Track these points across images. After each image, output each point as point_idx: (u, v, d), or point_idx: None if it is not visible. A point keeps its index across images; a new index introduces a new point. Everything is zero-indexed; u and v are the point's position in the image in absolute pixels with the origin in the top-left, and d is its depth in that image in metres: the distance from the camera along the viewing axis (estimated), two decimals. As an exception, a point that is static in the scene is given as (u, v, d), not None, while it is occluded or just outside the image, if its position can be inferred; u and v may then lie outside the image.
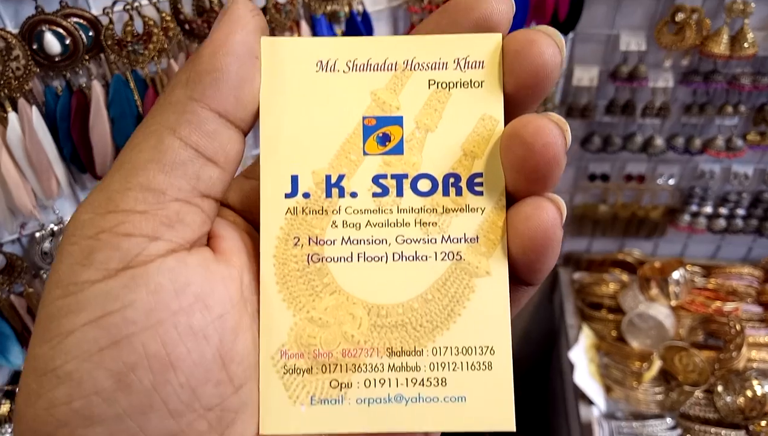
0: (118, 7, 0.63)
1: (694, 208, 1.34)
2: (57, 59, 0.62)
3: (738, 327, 1.25)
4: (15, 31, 0.59)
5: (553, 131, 0.21)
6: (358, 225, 0.23)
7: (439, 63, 0.23)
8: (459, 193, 0.23)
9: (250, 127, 0.23)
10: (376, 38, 0.23)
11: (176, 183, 0.21)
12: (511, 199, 0.23)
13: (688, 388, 1.22)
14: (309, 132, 0.23)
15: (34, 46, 0.60)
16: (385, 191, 0.23)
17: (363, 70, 0.23)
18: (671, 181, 1.32)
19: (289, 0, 0.72)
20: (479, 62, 0.23)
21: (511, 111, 0.23)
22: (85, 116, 0.67)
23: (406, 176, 0.23)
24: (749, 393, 1.19)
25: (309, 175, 0.23)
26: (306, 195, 0.23)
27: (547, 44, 0.22)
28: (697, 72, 1.11)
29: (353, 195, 0.23)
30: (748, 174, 1.28)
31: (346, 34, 0.79)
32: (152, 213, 0.20)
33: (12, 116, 0.61)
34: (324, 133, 0.23)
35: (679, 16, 1.02)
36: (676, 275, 1.29)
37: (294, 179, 0.23)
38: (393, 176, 0.23)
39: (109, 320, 0.19)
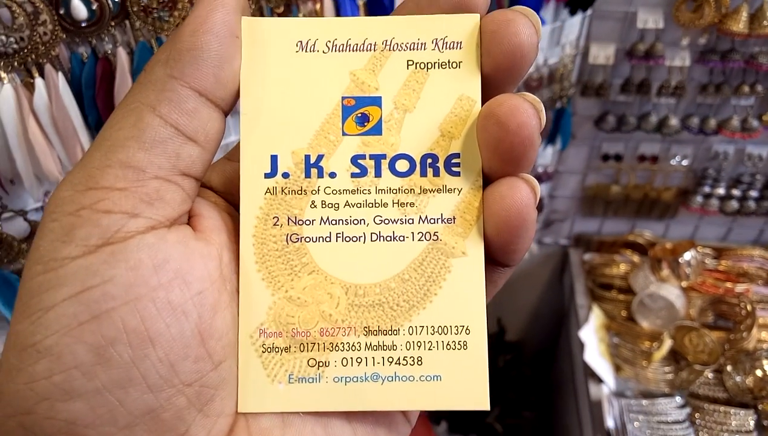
0: (145, -27, 0.63)
1: (706, 189, 1.34)
2: (83, 25, 0.62)
3: (749, 308, 1.25)
4: (43, -5, 0.59)
5: (527, 111, 0.21)
6: (336, 205, 0.23)
7: (418, 43, 0.23)
8: (436, 173, 0.23)
9: (230, 107, 0.23)
10: (355, 18, 0.23)
11: (156, 161, 0.21)
12: (488, 180, 0.23)
13: (698, 367, 1.22)
14: (288, 112, 0.23)
15: (61, 11, 0.60)
16: (363, 172, 0.23)
17: (342, 50, 0.23)
18: (684, 162, 1.32)
19: (313, -30, 0.72)
20: (457, 43, 0.23)
21: (489, 92, 0.23)
22: (110, 83, 0.67)
23: (384, 157, 0.23)
24: (759, 373, 1.19)
25: (288, 155, 0.23)
26: (285, 175, 0.23)
27: (524, 24, 0.22)
28: (715, 51, 1.11)
29: (332, 175, 0.23)
30: (762, 156, 1.28)
31: (367, 5, 0.79)
32: (132, 190, 0.21)
33: (39, 82, 0.62)
34: (303, 113, 0.23)
35: (699, -7, 1.02)
36: (687, 255, 1.30)
37: (273, 159, 0.23)
38: (371, 157, 0.23)
39: (88, 295, 0.20)
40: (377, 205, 0.23)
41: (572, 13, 1.05)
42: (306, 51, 0.23)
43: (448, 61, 0.23)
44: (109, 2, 0.62)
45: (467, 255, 0.23)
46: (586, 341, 1.30)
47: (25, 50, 0.59)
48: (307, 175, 0.23)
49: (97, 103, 0.67)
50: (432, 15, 0.23)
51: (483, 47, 0.23)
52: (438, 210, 0.23)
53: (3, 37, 0.57)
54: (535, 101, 0.22)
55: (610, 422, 1.19)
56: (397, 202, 0.23)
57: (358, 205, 0.23)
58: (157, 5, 0.64)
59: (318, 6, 0.75)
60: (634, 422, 1.19)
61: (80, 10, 0.60)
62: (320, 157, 0.23)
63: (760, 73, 1.12)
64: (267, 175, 0.23)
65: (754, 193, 1.33)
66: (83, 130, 0.67)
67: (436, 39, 0.23)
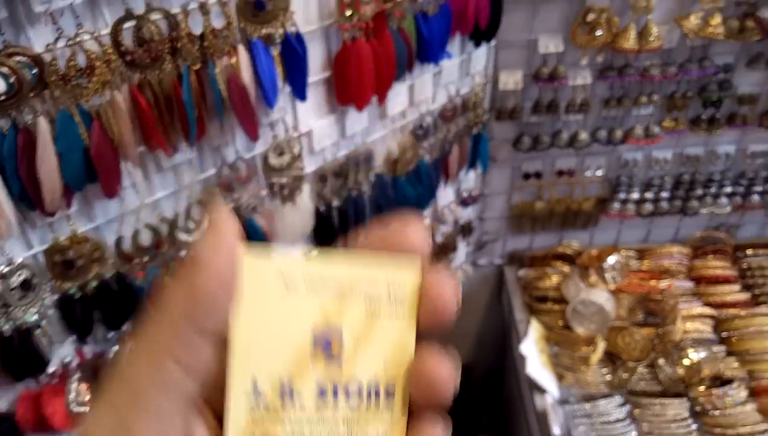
0: (61, 43, 0.65)
1: (622, 195, 1.42)
2: (2, 99, 0.63)
3: (672, 302, 1.33)
4: (-41, 73, 0.60)
5: (451, 377, 0.27)
6: (303, 427, 0.27)
7: (375, 296, 0.28)
8: (377, 399, 0.28)
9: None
10: (330, 266, 0.28)
11: (177, 405, 0.24)
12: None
13: (632, 364, 1.29)
14: (269, 341, 0.27)
15: (-22, 87, 0.61)
16: (325, 397, 0.28)
17: (318, 291, 0.27)
18: (599, 172, 1.40)
19: (225, 25, 0.75)
20: (402, 300, 0.28)
21: (420, 337, 0.28)
22: (32, 153, 0.68)
23: (342, 384, 0.28)
24: (686, 362, 1.26)
25: (267, 380, 0.27)
26: (263, 398, 0.27)
27: (447, 288, 0.27)
28: (612, 67, 1.19)
29: (300, 399, 0.27)
30: (667, 158, 1.37)
31: (282, 54, 0.82)
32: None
33: (-40, 158, 0.62)
34: (281, 343, 0.27)
35: (590, 17, 1.10)
36: (611, 260, 1.37)
37: (255, 383, 0.27)
38: (333, 384, 0.28)
39: None
40: (332, 424, 0.28)
41: (477, 44, 1.12)
42: (288, 289, 0.27)
43: (395, 313, 0.28)
44: (27, 74, 0.63)
45: None
46: (527, 354, 1.34)
47: (-56, 128, 0.59)
48: (282, 398, 0.27)
49: (20, 173, 0.68)
50: (388, 274, 0.28)
51: (419, 305, 0.28)
52: (375, 429, 0.28)
53: None
54: (456, 367, 0.27)
55: (556, 431, 1.23)
56: (346, 421, 0.28)
57: (319, 425, 0.27)
58: (75, 72, 0.65)
59: (234, 60, 0.78)
60: (579, 426, 1.24)
61: (-2, 85, 0.61)
62: (292, 383, 0.27)
63: (654, 83, 1.21)
64: (249, 398, 0.27)
65: (665, 194, 1.43)
66: (7, 202, 0.68)
67: (389, 294, 0.28)
